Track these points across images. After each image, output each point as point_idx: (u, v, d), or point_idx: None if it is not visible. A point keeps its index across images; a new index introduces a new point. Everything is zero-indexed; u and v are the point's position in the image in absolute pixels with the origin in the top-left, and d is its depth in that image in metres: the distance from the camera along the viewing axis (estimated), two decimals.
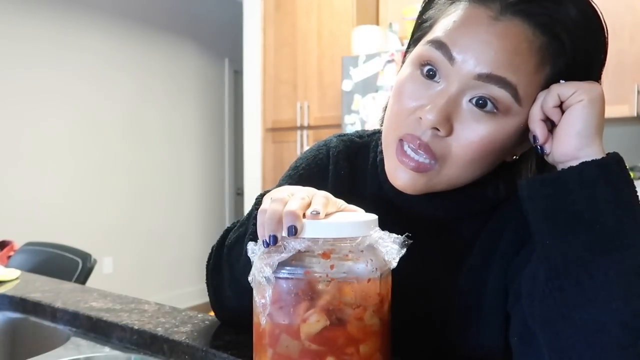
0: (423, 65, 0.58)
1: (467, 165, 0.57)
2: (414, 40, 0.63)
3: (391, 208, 0.66)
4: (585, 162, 0.50)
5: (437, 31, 0.58)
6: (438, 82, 0.57)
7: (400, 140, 0.58)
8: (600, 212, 0.48)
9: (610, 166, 0.49)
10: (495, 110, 0.55)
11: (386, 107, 0.69)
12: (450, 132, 0.56)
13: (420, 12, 0.64)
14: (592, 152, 0.51)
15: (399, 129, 0.59)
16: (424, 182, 0.58)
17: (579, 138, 0.51)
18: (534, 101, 0.55)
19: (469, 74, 0.54)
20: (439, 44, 0.56)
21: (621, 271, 0.47)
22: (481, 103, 0.55)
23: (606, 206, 0.48)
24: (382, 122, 0.71)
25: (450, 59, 0.55)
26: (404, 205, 0.66)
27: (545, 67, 0.55)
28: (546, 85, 0.55)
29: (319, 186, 0.54)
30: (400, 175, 0.59)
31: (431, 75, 0.57)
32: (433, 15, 0.61)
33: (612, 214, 0.48)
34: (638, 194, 0.50)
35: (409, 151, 0.58)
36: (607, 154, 0.50)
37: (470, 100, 0.55)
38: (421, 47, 0.59)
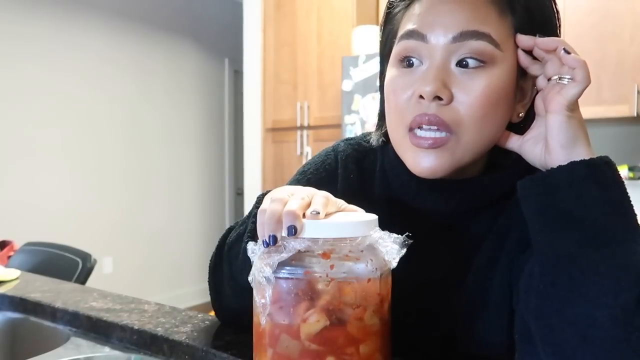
0: (403, 59, 0.61)
1: (481, 124, 0.58)
2: (386, 55, 0.66)
3: (401, 209, 0.67)
4: (574, 161, 0.51)
5: (404, 28, 0.61)
6: (422, 64, 0.59)
7: (410, 129, 0.59)
8: (590, 210, 0.50)
9: (599, 166, 0.51)
10: (482, 64, 0.57)
11: (380, 113, 0.70)
12: (451, 98, 0.57)
13: (381, 33, 0.68)
14: (581, 156, 0.53)
15: (404, 119, 0.60)
16: (448, 157, 0.58)
17: (565, 149, 0.53)
18: (514, 44, 0.59)
19: (444, 41, 0.57)
20: (409, 33, 0.60)
21: (611, 266, 0.48)
22: (466, 63, 0.57)
23: (595, 204, 0.50)
24: (377, 128, 0.72)
25: (423, 39, 0.58)
26: (413, 203, 0.67)
27: (506, 15, 0.58)
28: (515, 31, 0.59)
29: (328, 190, 0.54)
30: (422, 160, 0.59)
31: (414, 63, 0.60)
32: (393, 27, 0.65)
33: (601, 211, 0.49)
34: (630, 193, 0.52)
35: (421, 133, 0.58)
36: (598, 157, 0.52)
37: (457, 65, 0.58)
38: (396, 47, 0.62)
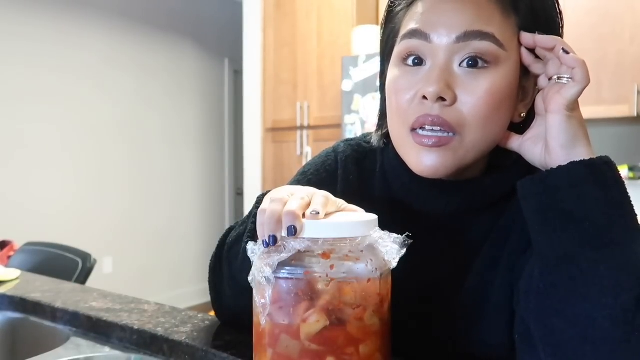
0: (405, 58, 0.60)
1: (484, 124, 0.57)
2: (387, 54, 0.66)
3: (401, 210, 0.67)
4: (574, 162, 0.51)
5: (406, 27, 0.60)
6: (425, 64, 0.59)
7: (413, 129, 0.59)
8: (590, 210, 0.49)
9: (599, 166, 0.51)
10: (486, 65, 0.57)
11: (381, 113, 0.69)
12: (454, 99, 0.57)
13: (382, 32, 0.67)
14: (581, 156, 0.53)
15: (407, 119, 0.59)
16: (451, 156, 0.58)
17: (564, 149, 0.53)
18: (517, 43, 0.58)
19: (448, 41, 0.57)
20: (412, 33, 0.59)
21: (611, 267, 0.48)
22: (471, 63, 0.57)
23: (595, 204, 0.50)
24: (378, 128, 0.72)
25: (427, 38, 0.58)
26: (414, 204, 0.66)
27: (510, 14, 0.58)
28: (518, 30, 0.58)
29: (329, 191, 0.54)
30: (425, 160, 0.58)
31: (417, 62, 0.59)
32: (394, 26, 0.64)
33: (601, 211, 0.49)
34: (630, 193, 0.52)
35: (425, 132, 0.58)
36: (598, 157, 0.52)
37: (460, 65, 0.57)
38: (398, 46, 0.61)
